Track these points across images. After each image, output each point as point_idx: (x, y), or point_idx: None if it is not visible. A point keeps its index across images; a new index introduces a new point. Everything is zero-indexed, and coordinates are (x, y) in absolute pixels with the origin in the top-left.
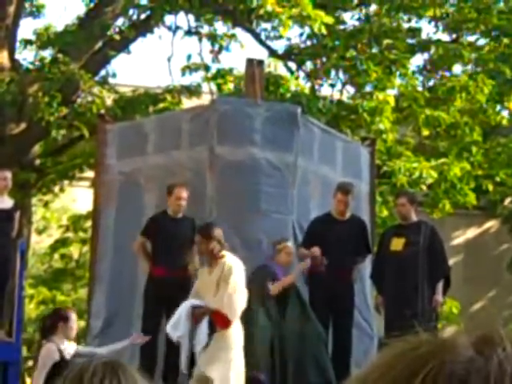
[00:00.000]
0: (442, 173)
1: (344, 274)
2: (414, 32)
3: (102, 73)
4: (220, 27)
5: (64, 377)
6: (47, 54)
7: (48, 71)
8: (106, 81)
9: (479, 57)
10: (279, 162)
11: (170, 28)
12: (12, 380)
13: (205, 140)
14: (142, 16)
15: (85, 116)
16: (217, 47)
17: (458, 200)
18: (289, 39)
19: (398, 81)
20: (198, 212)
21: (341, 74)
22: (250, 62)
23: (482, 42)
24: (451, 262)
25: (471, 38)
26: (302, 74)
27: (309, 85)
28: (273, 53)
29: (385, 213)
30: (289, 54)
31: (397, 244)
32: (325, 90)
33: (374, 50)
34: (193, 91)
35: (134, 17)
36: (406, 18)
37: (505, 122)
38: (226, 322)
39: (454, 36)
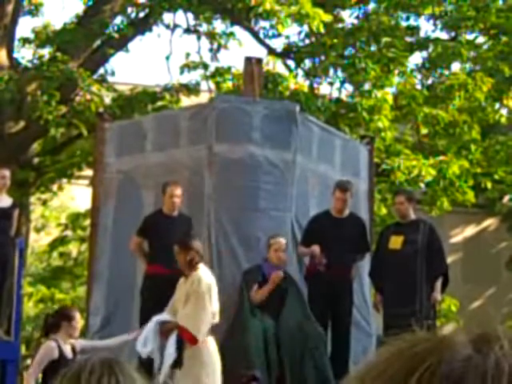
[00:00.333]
0: (441, 171)
1: (343, 272)
2: (413, 30)
3: (101, 71)
4: (218, 25)
5: (62, 375)
6: (46, 52)
7: (46, 69)
8: (105, 79)
9: (478, 55)
10: (278, 160)
11: (168, 26)
12: (10, 378)
13: (203, 138)
14: (141, 14)
15: (83, 114)
16: (215, 45)
17: (457, 198)
18: (287, 37)
19: (396, 79)
20: (197, 210)
21: (339, 72)
22: (248, 60)
23: (480, 40)
24: (450, 259)
25: (470, 36)
26: (300, 72)
27: (307, 83)
28: (271, 51)
29: (383, 211)
30: (287, 52)
31: (395, 242)
32: (323, 88)
33: (373, 48)
34: (191, 89)
35: (133, 15)
36: (404, 16)
37: (503, 120)
38: (192, 338)
39: (453, 34)
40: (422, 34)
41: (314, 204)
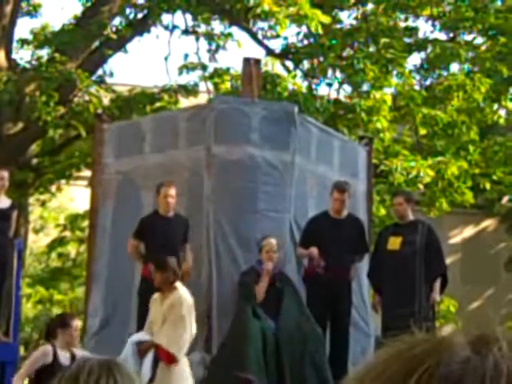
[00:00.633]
0: (439, 171)
1: (342, 272)
2: (411, 31)
3: (99, 72)
4: (217, 26)
5: (60, 376)
6: (44, 53)
7: (45, 70)
8: (103, 80)
9: (476, 56)
10: (276, 161)
11: (167, 27)
12: (9, 380)
13: (202, 139)
14: (139, 15)
15: (82, 115)
16: (214, 46)
17: (455, 199)
18: (286, 38)
19: (394, 80)
20: (196, 211)
21: (338, 73)
22: (247, 61)
23: (478, 40)
24: (448, 260)
25: (468, 37)
26: (299, 73)
27: (306, 84)
28: (270, 52)
29: (382, 212)
30: (286, 53)
31: (394, 243)
32: (322, 89)
33: (371, 49)
34: (190, 90)
35: (131, 16)
36: (402, 16)
37: (502, 120)
38: (169, 358)
39: (451, 35)
40: (420, 34)
41: (312, 205)
